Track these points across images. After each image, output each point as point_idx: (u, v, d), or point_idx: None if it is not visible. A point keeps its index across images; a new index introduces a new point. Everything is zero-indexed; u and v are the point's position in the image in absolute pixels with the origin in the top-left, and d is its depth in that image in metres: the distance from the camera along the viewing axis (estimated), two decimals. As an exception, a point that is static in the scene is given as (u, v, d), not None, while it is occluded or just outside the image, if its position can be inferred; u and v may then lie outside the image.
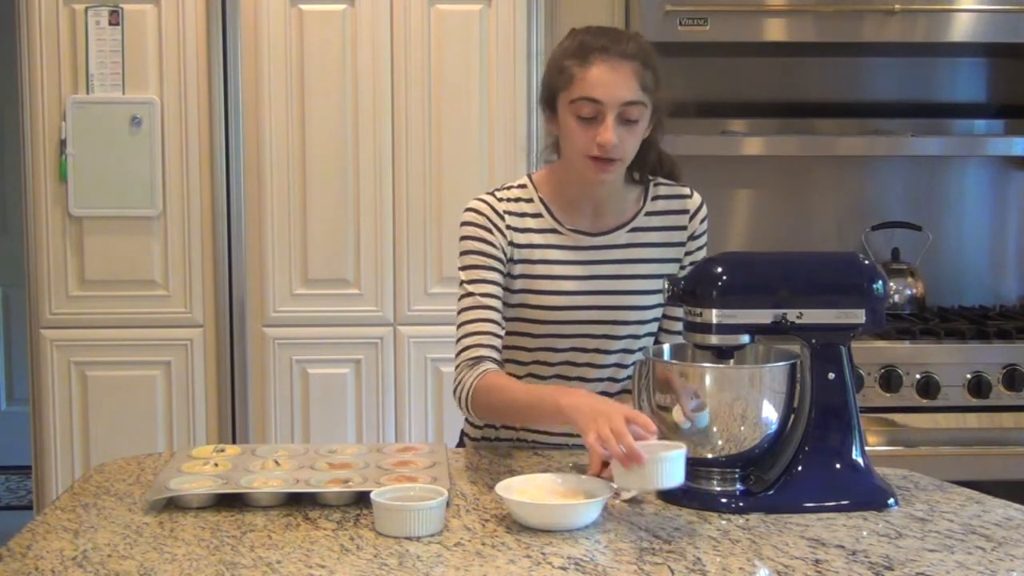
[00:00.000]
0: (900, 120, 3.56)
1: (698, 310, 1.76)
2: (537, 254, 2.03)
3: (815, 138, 3.49)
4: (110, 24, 3.10)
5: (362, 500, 1.71)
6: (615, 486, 1.67)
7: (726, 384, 1.74)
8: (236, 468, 1.84)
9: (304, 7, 3.14)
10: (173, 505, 1.72)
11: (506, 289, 2.03)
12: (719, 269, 1.77)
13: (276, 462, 1.88)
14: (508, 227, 2.02)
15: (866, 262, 1.82)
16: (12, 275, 4.92)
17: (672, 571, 1.46)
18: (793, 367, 1.76)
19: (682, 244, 2.08)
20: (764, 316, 1.74)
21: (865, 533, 1.61)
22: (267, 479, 1.78)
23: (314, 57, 3.14)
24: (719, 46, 3.27)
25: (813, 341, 1.76)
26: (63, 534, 1.61)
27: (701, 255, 2.09)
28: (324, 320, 3.18)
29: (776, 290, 1.75)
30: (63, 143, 3.10)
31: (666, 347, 1.92)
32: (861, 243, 3.58)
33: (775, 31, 3.19)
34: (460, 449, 2.15)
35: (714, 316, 1.74)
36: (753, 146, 3.44)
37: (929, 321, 3.26)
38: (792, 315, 1.74)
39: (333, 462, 1.88)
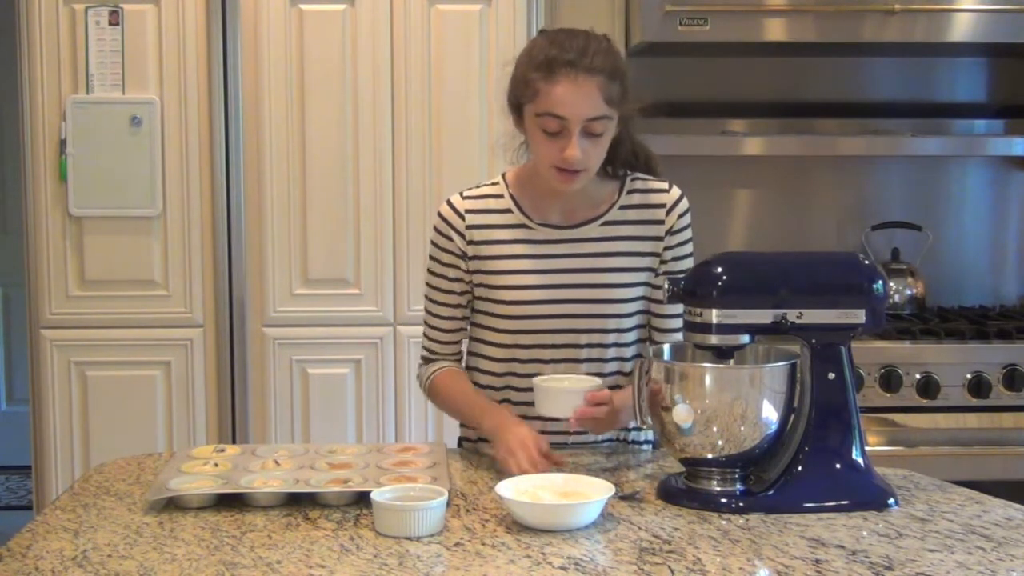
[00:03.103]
0: (900, 120, 3.56)
1: (698, 310, 1.76)
2: (505, 250, 2.05)
3: (815, 138, 3.49)
4: (110, 24, 3.10)
5: (362, 500, 1.71)
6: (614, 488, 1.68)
7: (726, 384, 1.74)
8: (236, 468, 1.84)
9: (304, 7, 3.14)
10: (173, 505, 1.72)
11: (478, 285, 2.08)
12: (719, 269, 1.77)
13: (276, 462, 1.88)
14: (468, 227, 2.07)
15: (866, 262, 1.82)
16: (12, 275, 4.92)
17: (672, 571, 1.46)
18: (793, 367, 1.76)
19: (659, 239, 2.06)
20: (764, 316, 1.74)
21: (865, 533, 1.61)
22: (267, 479, 1.78)
23: (314, 57, 3.14)
24: (719, 46, 3.27)
25: (813, 341, 1.76)
26: (63, 534, 1.61)
27: (685, 251, 2.08)
28: (324, 320, 3.18)
29: (776, 290, 1.75)
30: (63, 143, 3.11)
31: (666, 347, 1.92)
32: (861, 243, 3.58)
33: (775, 31, 3.19)
34: (460, 449, 2.15)
35: (714, 316, 1.74)
36: (753, 146, 3.44)
37: (929, 321, 3.26)
38: (792, 315, 1.74)
39: (333, 462, 1.89)
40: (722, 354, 1.80)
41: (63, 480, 3.15)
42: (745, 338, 1.77)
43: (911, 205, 3.62)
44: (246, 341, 3.17)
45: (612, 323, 2.06)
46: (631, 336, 2.09)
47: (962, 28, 3.18)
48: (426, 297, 2.14)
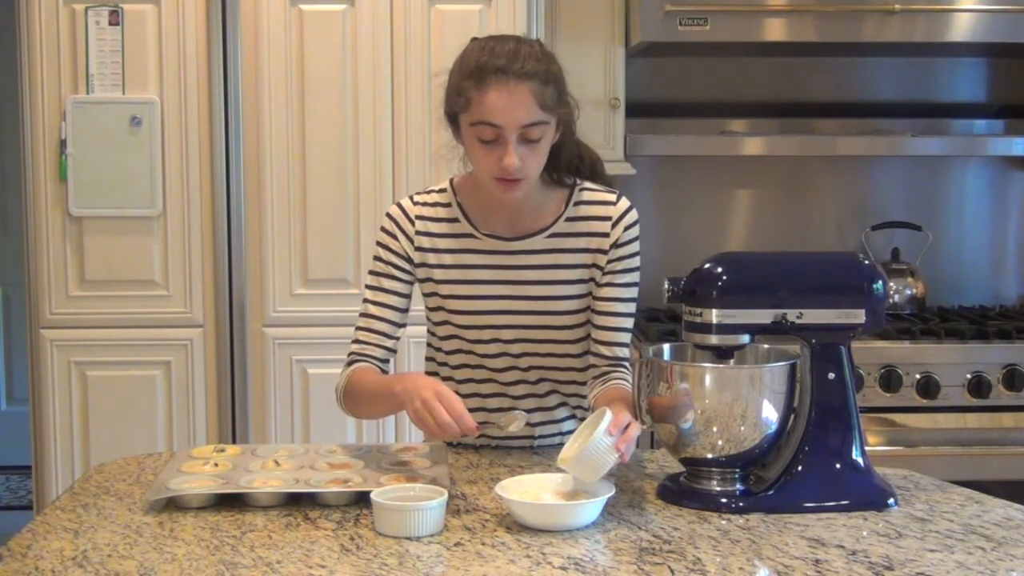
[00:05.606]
0: (900, 120, 3.57)
1: (698, 310, 1.76)
2: (451, 259, 2.03)
3: (815, 138, 3.50)
4: (110, 24, 3.10)
5: (362, 500, 1.71)
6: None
7: (726, 384, 1.74)
8: (236, 468, 1.84)
9: (304, 7, 3.14)
10: (173, 505, 1.72)
11: (427, 295, 2.07)
12: (719, 269, 1.77)
13: (276, 462, 1.88)
14: (417, 232, 2.04)
15: (866, 262, 1.82)
16: (12, 275, 4.92)
17: (672, 571, 1.46)
18: (793, 367, 1.76)
19: (603, 252, 2.00)
20: (764, 316, 1.74)
21: (865, 533, 1.61)
22: (267, 479, 1.78)
23: (314, 57, 3.14)
24: (719, 46, 3.27)
25: (813, 341, 1.76)
26: (63, 534, 1.61)
27: (631, 264, 2.02)
28: (324, 320, 3.18)
29: (776, 290, 1.75)
30: (63, 143, 3.11)
31: (666, 347, 1.91)
32: (861, 243, 3.59)
33: (775, 31, 3.19)
34: (460, 449, 2.15)
35: (714, 316, 1.74)
36: (753, 146, 3.44)
37: (929, 321, 3.27)
38: (792, 315, 1.74)
39: (333, 462, 1.89)
40: (722, 354, 1.80)
41: (63, 480, 3.15)
42: (745, 338, 1.77)
43: (911, 205, 3.63)
44: (246, 341, 3.17)
45: (557, 334, 2.03)
46: (576, 348, 2.05)
47: (962, 28, 3.19)
48: (364, 300, 2.08)
